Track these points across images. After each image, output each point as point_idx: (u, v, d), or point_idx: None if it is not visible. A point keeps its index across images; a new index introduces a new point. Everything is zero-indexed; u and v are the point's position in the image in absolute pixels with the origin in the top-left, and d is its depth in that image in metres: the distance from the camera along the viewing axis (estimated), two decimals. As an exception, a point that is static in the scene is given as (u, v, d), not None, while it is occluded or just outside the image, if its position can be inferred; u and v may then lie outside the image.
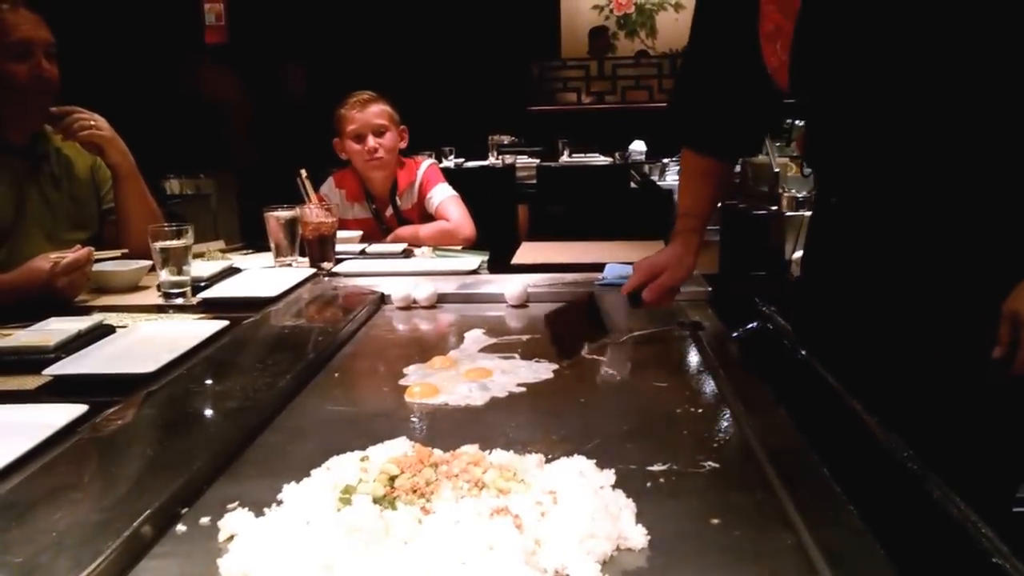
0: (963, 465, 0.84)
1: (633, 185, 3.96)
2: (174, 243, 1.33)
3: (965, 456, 0.88)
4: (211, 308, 1.28)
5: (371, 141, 2.01)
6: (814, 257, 1.10)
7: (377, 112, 2.03)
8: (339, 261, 1.61)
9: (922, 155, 0.90)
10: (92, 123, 1.50)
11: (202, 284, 1.41)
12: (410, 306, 1.29)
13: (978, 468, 0.90)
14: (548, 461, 0.66)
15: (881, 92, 0.90)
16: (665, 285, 1.08)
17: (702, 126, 1.13)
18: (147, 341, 1.05)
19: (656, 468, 0.67)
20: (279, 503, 0.61)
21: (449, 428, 0.79)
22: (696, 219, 1.13)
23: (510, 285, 1.29)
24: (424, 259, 1.73)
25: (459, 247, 1.95)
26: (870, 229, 0.97)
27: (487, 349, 1.05)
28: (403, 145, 2.11)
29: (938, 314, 0.93)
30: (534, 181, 3.95)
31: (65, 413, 0.76)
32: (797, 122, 2.86)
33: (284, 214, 1.58)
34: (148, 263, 1.44)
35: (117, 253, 1.49)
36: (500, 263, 1.68)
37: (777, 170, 2.39)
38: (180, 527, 0.60)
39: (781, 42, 0.96)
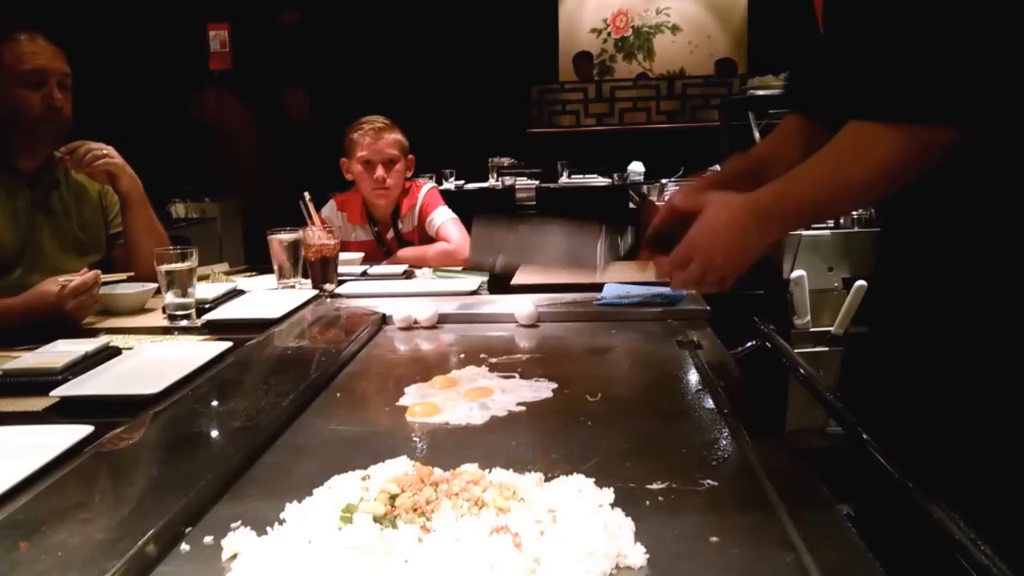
0: (974, 482, 0.84)
1: (632, 205, 4.00)
2: (179, 266, 1.34)
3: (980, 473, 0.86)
4: (215, 330, 1.29)
5: (380, 171, 2.03)
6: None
7: (390, 142, 2.05)
8: (341, 282, 1.62)
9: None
10: (104, 153, 1.53)
11: (207, 306, 1.42)
12: (411, 326, 1.30)
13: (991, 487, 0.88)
14: (547, 480, 0.67)
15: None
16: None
17: None
18: (152, 363, 1.06)
19: (655, 486, 0.68)
20: (281, 522, 0.62)
21: (449, 447, 0.80)
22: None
23: (521, 305, 1.30)
24: (424, 280, 1.75)
25: (459, 268, 1.97)
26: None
27: (488, 368, 1.06)
28: (409, 174, 2.14)
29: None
30: (534, 202, 3.99)
31: (71, 434, 0.77)
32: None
33: (287, 236, 1.61)
34: (154, 286, 1.45)
35: (123, 276, 1.50)
36: (499, 284, 1.69)
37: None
38: (184, 546, 0.60)
39: None
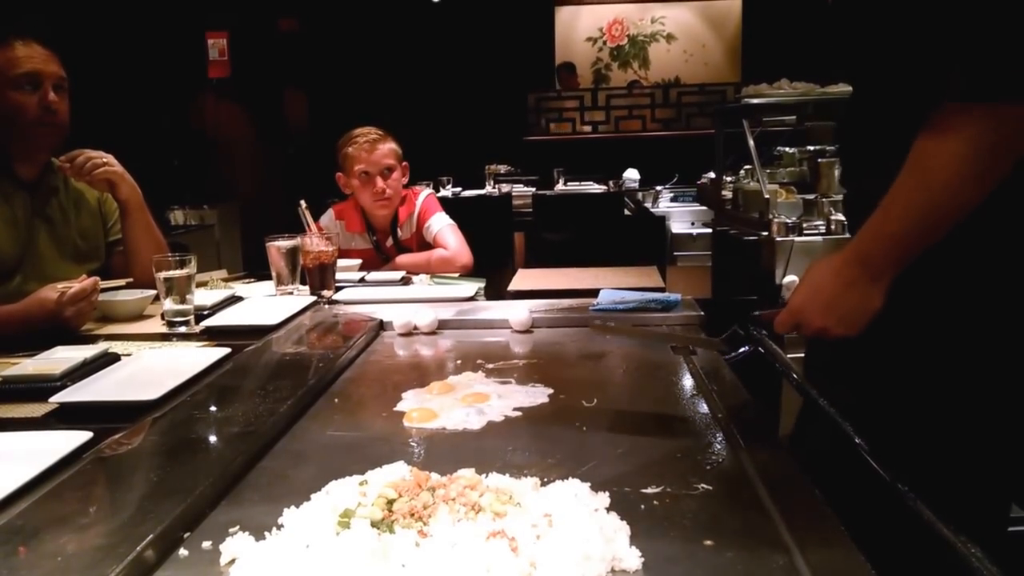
0: (958, 485, 0.85)
1: (627, 212, 4.02)
2: (177, 273, 1.35)
3: (961, 475, 0.88)
4: (214, 336, 1.30)
5: (379, 183, 2.04)
6: None
7: (385, 152, 2.06)
8: (339, 289, 1.63)
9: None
10: (103, 161, 1.54)
11: (205, 312, 1.43)
12: (409, 332, 1.31)
13: (973, 488, 0.90)
14: (543, 484, 0.67)
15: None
16: None
17: None
18: (151, 369, 1.06)
19: (650, 490, 0.68)
20: (279, 527, 0.62)
21: (446, 452, 0.80)
22: None
23: (515, 311, 1.31)
24: (422, 286, 1.76)
25: (456, 274, 1.98)
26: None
27: (484, 374, 1.06)
28: (405, 180, 2.15)
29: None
30: (530, 209, 4.01)
31: (70, 440, 0.78)
32: (787, 149, 2.92)
33: (285, 243, 1.61)
34: (152, 292, 1.46)
35: (122, 282, 1.51)
36: (497, 290, 1.70)
37: (768, 196, 2.43)
38: (182, 551, 0.61)
39: None
